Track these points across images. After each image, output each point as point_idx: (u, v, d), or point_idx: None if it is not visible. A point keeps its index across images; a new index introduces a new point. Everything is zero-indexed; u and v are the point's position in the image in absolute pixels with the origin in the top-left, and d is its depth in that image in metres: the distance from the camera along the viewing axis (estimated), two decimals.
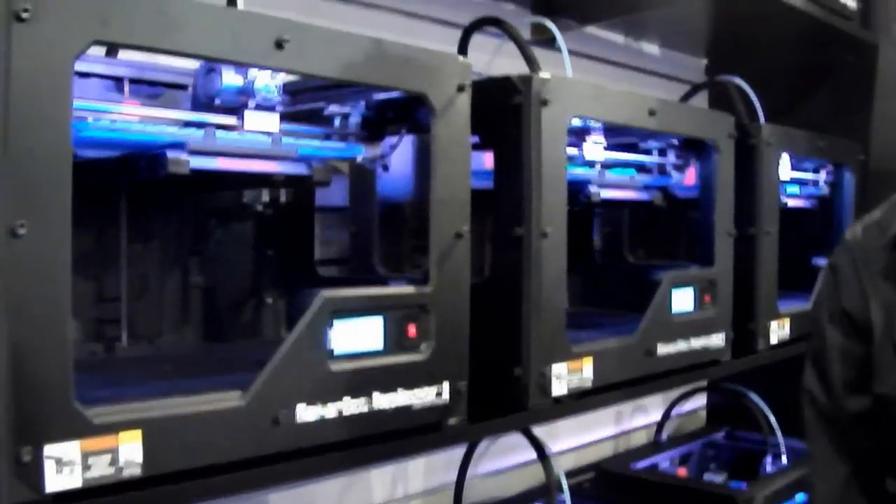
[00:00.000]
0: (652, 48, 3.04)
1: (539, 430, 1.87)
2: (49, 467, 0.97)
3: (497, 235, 1.58)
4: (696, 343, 1.92)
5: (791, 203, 2.45)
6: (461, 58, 1.43)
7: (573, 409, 1.65)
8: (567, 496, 1.99)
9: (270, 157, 1.31)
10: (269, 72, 1.25)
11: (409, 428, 1.35)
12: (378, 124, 1.56)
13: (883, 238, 1.43)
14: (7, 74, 0.93)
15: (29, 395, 0.95)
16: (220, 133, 1.26)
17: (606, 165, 1.86)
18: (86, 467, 1.00)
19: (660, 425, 2.83)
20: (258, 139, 1.30)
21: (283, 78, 1.29)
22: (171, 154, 1.18)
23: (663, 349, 1.82)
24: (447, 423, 1.40)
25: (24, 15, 0.93)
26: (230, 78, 1.24)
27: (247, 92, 1.25)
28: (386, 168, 1.71)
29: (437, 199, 1.39)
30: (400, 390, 1.32)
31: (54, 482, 0.97)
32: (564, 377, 1.58)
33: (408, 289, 1.38)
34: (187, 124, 1.27)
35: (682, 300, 1.89)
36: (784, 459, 2.53)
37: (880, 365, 1.39)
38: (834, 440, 1.46)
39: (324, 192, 1.69)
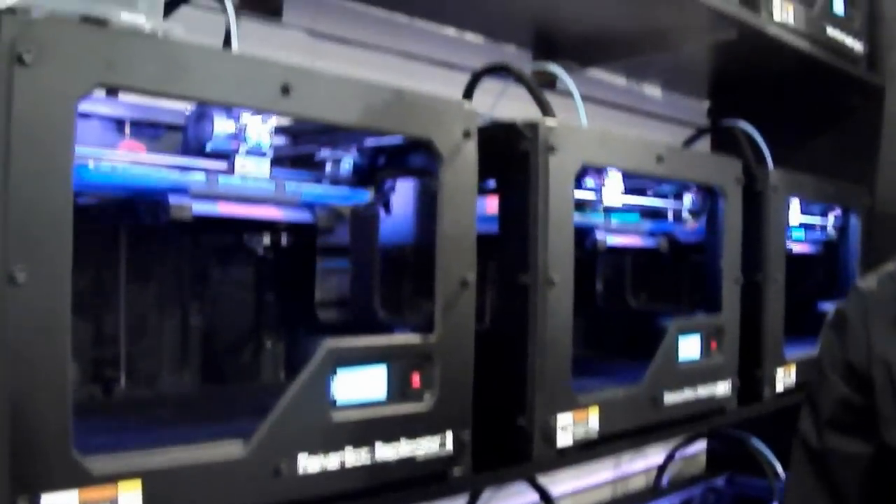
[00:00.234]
0: (654, 91, 3.04)
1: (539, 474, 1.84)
2: None
3: (502, 283, 1.57)
4: (703, 391, 1.90)
5: (796, 248, 2.43)
6: (468, 104, 1.42)
7: (578, 458, 1.63)
8: None
9: (274, 203, 1.29)
10: (259, 117, 1.24)
11: (412, 478, 1.33)
12: (372, 169, 1.54)
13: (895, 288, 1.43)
14: (8, 118, 0.92)
15: (27, 443, 0.93)
16: (222, 177, 1.25)
17: (612, 210, 1.85)
18: None
19: (660, 470, 2.81)
20: (261, 184, 1.28)
21: (274, 122, 1.28)
22: (173, 199, 1.17)
23: (670, 398, 1.80)
24: (451, 473, 1.38)
25: (27, 57, 0.92)
26: (222, 124, 1.23)
27: (238, 137, 1.24)
28: (388, 211, 1.69)
29: (442, 246, 1.37)
30: (403, 440, 1.30)
31: None
32: (570, 427, 1.55)
33: (412, 337, 1.36)
34: (178, 169, 1.25)
35: (689, 348, 1.87)
36: None
37: (883, 417, 1.39)
38: (819, 483, 1.45)
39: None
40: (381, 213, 1.68)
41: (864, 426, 1.42)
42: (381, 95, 1.29)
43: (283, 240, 1.62)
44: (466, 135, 1.38)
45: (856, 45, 2.75)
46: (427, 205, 1.66)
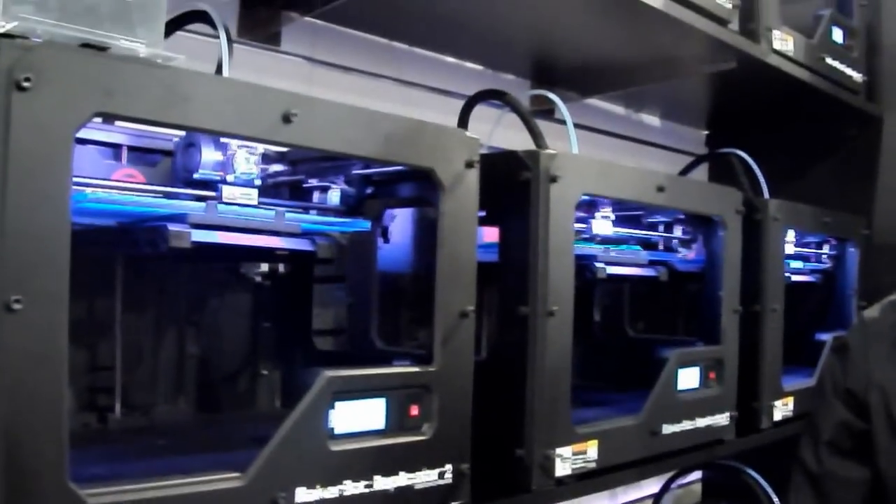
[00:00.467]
0: (652, 119, 3.04)
1: None
2: None
3: (501, 313, 1.56)
4: (701, 422, 1.89)
5: (794, 278, 2.42)
6: (470, 133, 1.41)
7: (577, 491, 1.61)
8: None
9: (273, 232, 1.28)
10: (245, 150, 1.23)
11: None
12: (361, 198, 1.54)
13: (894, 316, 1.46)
14: (6, 144, 0.90)
15: (22, 473, 0.92)
16: (221, 206, 1.24)
17: (611, 241, 1.84)
18: None
19: (657, 499, 2.79)
20: (261, 212, 1.27)
21: (261, 151, 1.27)
22: (172, 227, 1.15)
23: (668, 429, 1.79)
24: None
25: (26, 84, 0.91)
26: (209, 154, 1.22)
27: (226, 166, 1.24)
28: (386, 240, 1.68)
29: (442, 276, 1.35)
30: (402, 472, 1.29)
31: None
32: (569, 459, 1.54)
33: (411, 368, 1.35)
34: (167, 196, 1.25)
35: (688, 379, 1.86)
36: None
37: (878, 442, 1.41)
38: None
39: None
40: (380, 242, 1.67)
41: (862, 451, 1.44)
42: (382, 124, 1.28)
43: (281, 268, 1.61)
44: (469, 165, 1.38)
45: (854, 75, 2.76)
46: (425, 234, 1.65)
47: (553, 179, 1.49)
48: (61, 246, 0.94)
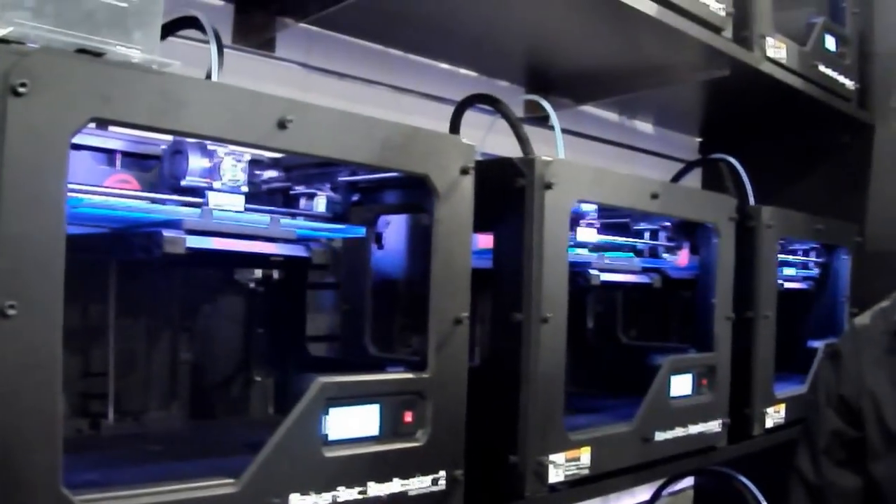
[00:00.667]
0: (646, 126, 3.05)
1: None
2: None
3: (495, 319, 1.56)
4: (694, 429, 1.89)
5: (787, 285, 2.43)
6: (465, 140, 1.41)
7: (570, 497, 1.61)
8: None
9: (268, 238, 1.28)
10: (232, 157, 1.23)
11: None
12: (347, 204, 1.54)
13: (886, 323, 1.46)
14: (1, 150, 0.90)
15: (14, 478, 0.91)
16: (217, 212, 1.24)
17: (604, 248, 1.84)
18: None
19: None
20: (256, 218, 1.27)
21: (248, 159, 1.27)
22: (167, 233, 1.15)
23: (661, 435, 1.79)
24: None
25: (22, 90, 0.91)
26: (196, 161, 1.22)
27: (213, 173, 1.24)
28: (380, 246, 1.68)
29: (437, 283, 1.35)
30: (395, 479, 1.29)
31: None
32: (562, 465, 1.54)
33: (405, 375, 1.35)
34: (159, 202, 1.25)
35: (681, 386, 1.86)
36: None
37: (872, 449, 1.42)
38: None
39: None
40: (374, 248, 1.67)
41: (855, 459, 1.44)
42: (377, 130, 1.28)
43: (275, 274, 1.61)
44: (464, 171, 1.38)
45: (847, 83, 2.77)
46: (419, 240, 1.65)
47: (548, 186, 1.49)
48: (56, 252, 0.94)
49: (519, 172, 1.50)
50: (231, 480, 1.11)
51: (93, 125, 1.31)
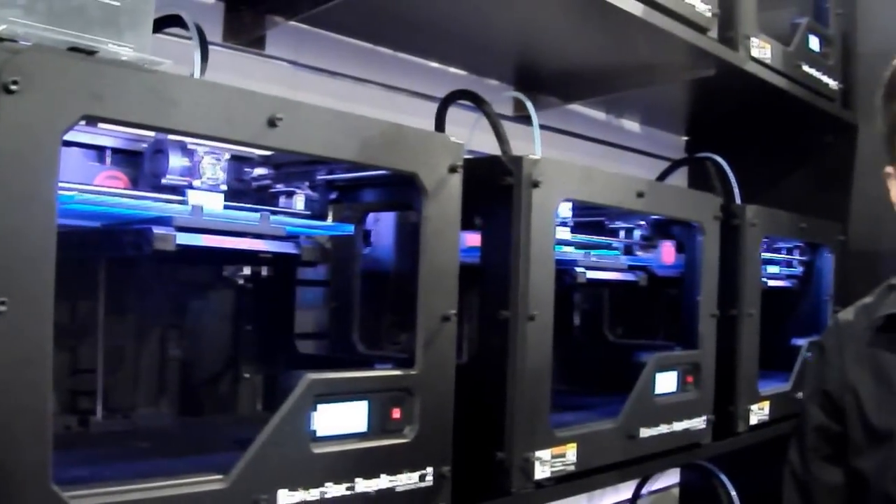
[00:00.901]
0: (633, 125, 3.06)
1: None
2: None
3: (482, 317, 1.56)
4: (678, 426, 1.90)
5: (770, 283, 2.45)
6: (454, 138, 1.42)
7: (556, 493, 1.62)
8: None
9: (258, 236, 1.29)
10: (211, 156, 1.24)
11: None
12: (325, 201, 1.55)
13: (869, 319, 1.48)
14: None
15: (5, 474, 0.91)
16: (207, 208, 1.24)
17: (589, 246, 1.86)
18: None
19: (633, 501, 2.80)
20: (246, 215, 1.28)
21: (227, 157, 1.28)
22: (157, 230, 1.16)
23: (646, 432, 1.80)
24: None
25: (13, 87, 0.91)
26: (177, 159, 1.23)
27: (193, 172, 1.25)
28: (368, 243, 1.69)
29: (424, 280, 1.36)
30: (383, 475, 1.29)
31: None
32: (548, 462, 1.55)
33: (393, 371, 1.35)
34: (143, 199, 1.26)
35: (666, 383, 1.87)
36: None
37: (854, 444, 1.43)
38: None
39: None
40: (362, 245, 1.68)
41: (840, 455, 1.46)
42: (366, 128, 1.28)
43: (264, 271, 1.61)
44: (452, 169, 1.38)
45: (830, 83, 2.79)
46: (406, 237, 1.66)
47: (535, 184, 1.50)
48: (47, 248, 0.94)
49: (506, 171, 1.51)
50: (220, 476, 1.11)
51: (83, 122, 1.32)
